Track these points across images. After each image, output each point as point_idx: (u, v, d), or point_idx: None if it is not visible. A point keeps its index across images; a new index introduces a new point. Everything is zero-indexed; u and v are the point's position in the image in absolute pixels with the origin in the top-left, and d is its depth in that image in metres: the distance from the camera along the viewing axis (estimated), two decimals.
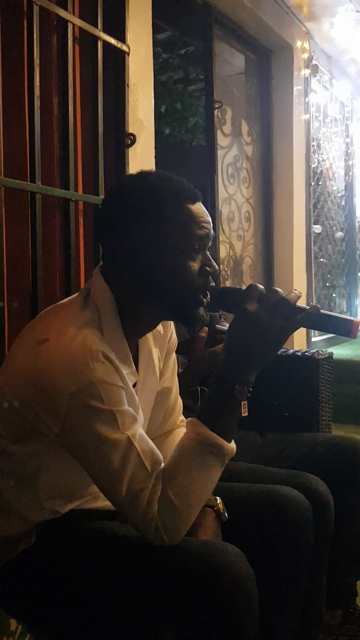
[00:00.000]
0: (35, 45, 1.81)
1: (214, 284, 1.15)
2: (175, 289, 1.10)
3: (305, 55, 4.05)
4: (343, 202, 5.17)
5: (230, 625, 0.97)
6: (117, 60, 2.22)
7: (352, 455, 1.55)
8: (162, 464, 1.05)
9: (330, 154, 4.76)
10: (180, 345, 1.43)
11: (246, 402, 1.06)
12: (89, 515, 1.19)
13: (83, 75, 2.10)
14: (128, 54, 2.23)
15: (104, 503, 1.20)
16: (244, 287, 1.07)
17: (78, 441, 1.02)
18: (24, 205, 1.83)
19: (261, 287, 1.06)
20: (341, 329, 1.06)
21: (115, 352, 1.04)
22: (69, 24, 1.97)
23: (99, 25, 2.09)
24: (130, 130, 2.25)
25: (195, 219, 1.10)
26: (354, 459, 1.55)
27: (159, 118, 4.00)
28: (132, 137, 2.24)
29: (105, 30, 2.11)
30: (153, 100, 2.42)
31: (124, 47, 2.21)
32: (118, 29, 2.20)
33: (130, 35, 2.24)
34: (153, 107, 2.42)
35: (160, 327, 1.27)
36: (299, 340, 3.99)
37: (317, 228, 4.40)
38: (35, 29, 1.81)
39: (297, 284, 4.01)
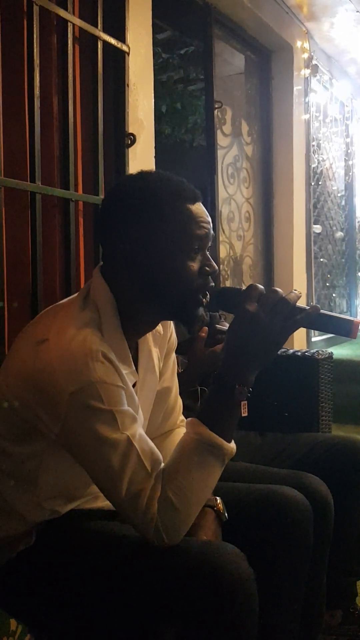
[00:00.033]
0: (35, 45, 1.81)
1: (213, 284, 1.15)
2: (175, 289, 1.10)
3: (305, 55, 4.05)
4: (343, 202, 5.17)
5: (230, 625, 0.97)
6: (117, 60, 2.22)
7: (352, 455, 1.55)
8: (162, 464, 1.05)
9: (330, 154, 4.76)
10: (180, 345, 1.43)
11: (246, 402, 1.06)
12: (89, 515, 1.19)
13: (83, 75, 2.10)
14: (128, 54, 2.23)
15: (104, 503, 1.20)
16: (244, 287, 1.07)
17: (78, 441, 1.02)
18: (24, 205, 1.83)
19: (261, 287, 1.05)
20: (341, 329, 1.06)
21: (115, 352, 1.05)
22: (69, 24, 1.97)
23: (99, 25, 2.09)
24: (130, 130, 2.25)
25: (195, 219, 1.10)
26: (354, 459, 1.55)
27: (159, 118, 4.00)
28: (132, 137, 2.24)
29: (105, 30, 2.11)
30: (153, 100, 2.42)
31: (124, 47, 2.21)
32: (118, 29, 2.20)
33: (130, 35, 2.24)
34: (153, 107, 2.42)
35: (160, 327, 1.27)
36: (299, 340, 3.98)
37: (317, 228, 4.39)
38: (35, 29, 1.81)
39: (297, 284, 4.01)
